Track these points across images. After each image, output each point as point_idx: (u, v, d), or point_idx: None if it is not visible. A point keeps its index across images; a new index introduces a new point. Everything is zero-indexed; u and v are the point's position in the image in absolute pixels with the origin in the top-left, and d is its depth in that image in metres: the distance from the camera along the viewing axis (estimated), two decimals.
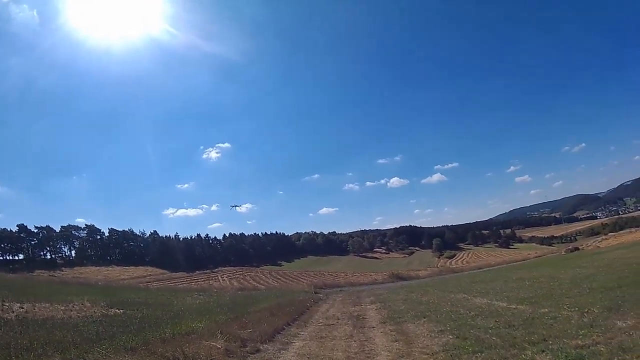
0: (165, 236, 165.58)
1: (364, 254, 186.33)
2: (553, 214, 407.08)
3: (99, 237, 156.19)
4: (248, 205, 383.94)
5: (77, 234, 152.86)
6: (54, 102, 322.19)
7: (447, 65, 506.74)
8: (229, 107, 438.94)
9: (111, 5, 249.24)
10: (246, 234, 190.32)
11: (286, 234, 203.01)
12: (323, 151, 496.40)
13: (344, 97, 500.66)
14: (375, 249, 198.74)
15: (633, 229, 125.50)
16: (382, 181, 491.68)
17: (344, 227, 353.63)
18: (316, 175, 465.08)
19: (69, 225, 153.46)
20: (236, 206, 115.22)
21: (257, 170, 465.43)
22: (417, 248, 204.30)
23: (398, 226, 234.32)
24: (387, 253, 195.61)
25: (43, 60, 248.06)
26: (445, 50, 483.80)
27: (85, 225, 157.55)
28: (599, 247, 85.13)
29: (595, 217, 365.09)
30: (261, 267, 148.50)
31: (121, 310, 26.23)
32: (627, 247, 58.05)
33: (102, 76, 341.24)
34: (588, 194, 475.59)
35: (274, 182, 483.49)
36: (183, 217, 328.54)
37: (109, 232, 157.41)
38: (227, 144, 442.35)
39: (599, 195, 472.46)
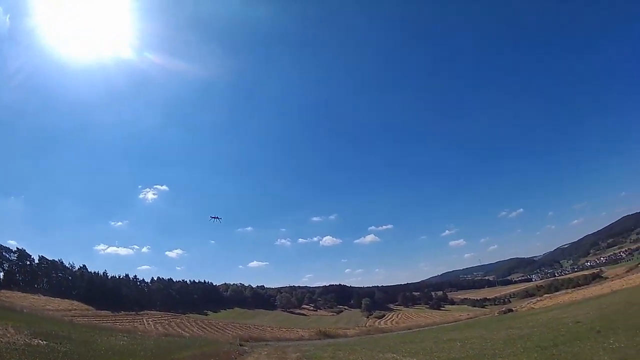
0: (94, 272, 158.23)
1: (291, 310, 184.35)
2: (487, 277, 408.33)
3: (28, 262, 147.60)
4: (179, 251, 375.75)
5: (7, 255, 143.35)
6: None
7: (388, 130, 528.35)
8: (172, 149, 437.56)
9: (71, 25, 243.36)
10: (174, 280, 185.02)
11: (214, 284, 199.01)
12: (259, 204, 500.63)
13: (284, 153, 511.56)
14: (303, 306, 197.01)
15: (569, 290, 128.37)
16: (315, 239, 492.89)
17: (273, 282, 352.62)
18: (249, 228, 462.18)
19: (0, 245, 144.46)
20: (217, 218, 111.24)
21: (192, 216, 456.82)
22: (346, 307, 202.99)
23: (327, 284, 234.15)
24: (315, 310, 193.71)
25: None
26: (387, 115, 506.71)
27: (17, 248, 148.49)
28: (533, 308, 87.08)
29: (530, 280, 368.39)
30: (187, 315, 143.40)
31: (44, 342, 25.93)
32: (563, 307, 59.79)
33: (55, 95, 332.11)
34: (523, 258, 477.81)
35: (207, 230, 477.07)
36: (113, 255, 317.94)
37: (39, 260, 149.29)
38: (165, 187, 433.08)
39: (534, 258, 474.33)
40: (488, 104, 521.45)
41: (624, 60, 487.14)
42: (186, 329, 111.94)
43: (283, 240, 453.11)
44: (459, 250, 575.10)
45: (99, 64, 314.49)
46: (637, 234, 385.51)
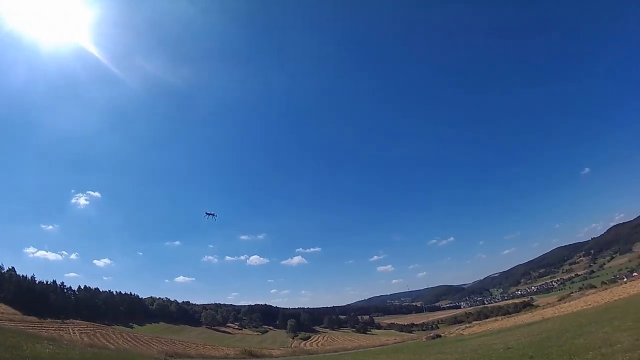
0: (23, 276, 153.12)
1: (216, 328, 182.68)
2: (414, 303, 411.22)
3: None
4: (107, 261, 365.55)
5: None
6: None
7: (319, 155, 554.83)
8: (108, 156, 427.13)
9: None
10: (101, 290, 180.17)
11: (140, 297, 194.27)
12: (188, 219, 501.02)
13: (217, 169, 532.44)
14: (228, 324, 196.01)
15: (499, 317, 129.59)
16: (242, 257, 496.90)
17: (198, 298, 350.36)
18: (177, 242, 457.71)
19: None
20: (212, 215, 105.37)
21: (122, 226, 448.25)
22: (271, 327, 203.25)
23: (253, 304, 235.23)
24: (240, 329, 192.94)
25: None
26: (318, 140, 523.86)
27: None
28: (462, 334, 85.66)
29: (458, 307, 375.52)
30: (113, 327, 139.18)
31: None
32: (493, 334, 60.18)
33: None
34: (452, 285, 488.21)
35: (136, 242, 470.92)
36: (42, 259, 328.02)
37: None
38: (97, 193, 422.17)
39: (463, 286, 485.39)
40: (421, 132, 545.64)
41: (557, 95, 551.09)
42: (112, 341, 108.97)
43: (210, 257, 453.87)
44: (387, 276, 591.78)
45: (42, 62, 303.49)
46: (570, 264, 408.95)
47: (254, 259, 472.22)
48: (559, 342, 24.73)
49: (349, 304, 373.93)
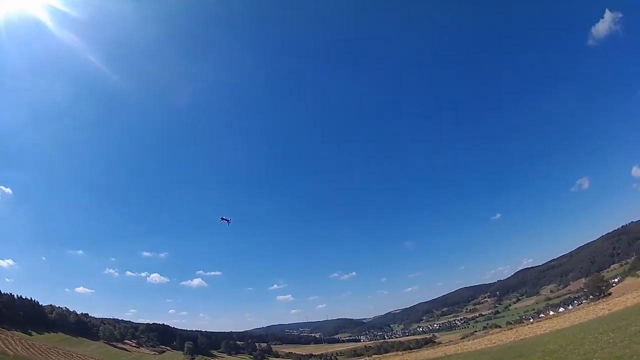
0: None
1: (114, 344, 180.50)
2: (313, 334, 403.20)
3: None
4: (10, 262, 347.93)
5: None
6: None
7: (223, 179, 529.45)
8: (27, 151, 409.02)
9: None
10: (2, 292, 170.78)
11: (40, 304, 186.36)
12: (92, 228, 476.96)
13: (125, 179, 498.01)
14: (125, 341, 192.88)
15: (400, 352, 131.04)
16: (143, 274, 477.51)
17: (98, 311, 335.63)
18: (80, 251, 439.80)
19: None
20: (227, 220, 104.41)
21: (29, 227, 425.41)
22: (168, 348, 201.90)
23: (151, 322, 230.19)
24: (137, 347, 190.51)
25: None
26: (224, 163, 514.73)
27: None
28: None
29: (358, 340, 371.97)
30: (12, 332, 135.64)
31: None
32: None
33: None
34: (352, 319, 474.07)
35: (41, 245, 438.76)
36: None
37: None
38: (9, 189, 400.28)
39: (363, 320, 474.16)
40: (332, 166, 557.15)
41: (472, 142, 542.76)
42: (10, 347, 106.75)
43: (111, 270, 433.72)
44: (286, 305, 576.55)
45: None
46: (474, 304, 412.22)
47: (155, 277, 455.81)
48: None
49: (247, 330, 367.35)
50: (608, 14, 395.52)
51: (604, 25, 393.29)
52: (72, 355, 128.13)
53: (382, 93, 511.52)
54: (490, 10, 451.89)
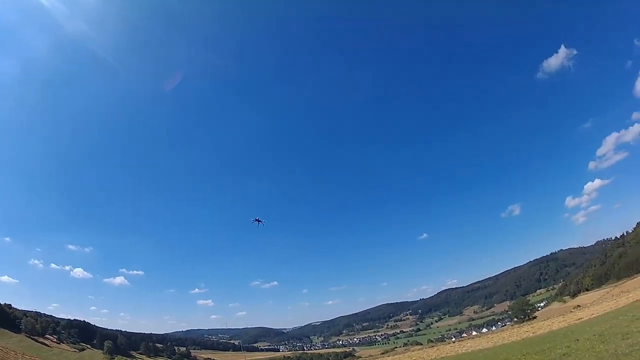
0: None
1: (35, 337, 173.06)
2: (232, 341, 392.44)
3: None
4: None
5: None
6: None
7: (144, 181, 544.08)
8: None
9: None
10: None
11: None
12: (21, 214, 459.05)
13: (62, 168, 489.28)
14: (47, 335, 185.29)
15: None
16: (67, 267, 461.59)
17: (21, 303, 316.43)
18: (8, 239, 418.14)
19: None
20: (259, 221, 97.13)
21: None
22: (88, 346, 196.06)
23: (72, 318, 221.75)
24: (58, 343, 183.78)
25: None
26: (148, 168, 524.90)
27: None
28: None
29: (277, 350, 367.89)
30: None
31: None
32: None
33: None
34: (272, 328, 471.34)
35: None
36: None
37: None
38: None
39: (283, 330, 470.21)
40: (257, 171, 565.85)
41: (402, 162, 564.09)
42: None
43: (36, 261, 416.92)
44: (206, 310, 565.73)
45: None
46: (395, 321, 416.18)
47: (78, 272, 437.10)
48: None
49: (167, 333, 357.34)
50: (563, 50, 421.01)
51: (557, 60, 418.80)
52: None
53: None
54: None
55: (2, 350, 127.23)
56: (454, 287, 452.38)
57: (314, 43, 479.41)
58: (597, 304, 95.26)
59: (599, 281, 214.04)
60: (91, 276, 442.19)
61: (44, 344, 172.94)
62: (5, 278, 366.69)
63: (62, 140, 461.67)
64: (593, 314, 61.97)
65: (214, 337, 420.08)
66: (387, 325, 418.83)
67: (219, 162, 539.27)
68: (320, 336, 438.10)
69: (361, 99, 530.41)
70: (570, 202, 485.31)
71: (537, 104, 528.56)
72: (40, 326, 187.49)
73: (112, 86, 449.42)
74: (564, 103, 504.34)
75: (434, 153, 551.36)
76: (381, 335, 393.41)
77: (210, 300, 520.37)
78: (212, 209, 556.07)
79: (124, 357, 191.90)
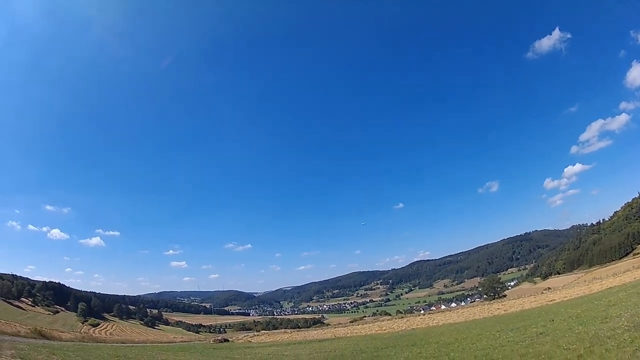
0: None
1: (10, 301, 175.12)
2: (204, 304, 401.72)
3: None
4: None
5: None
6: None
7: (128, 140, 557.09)
8: None
9: None
10: None
11: None
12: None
13: (39, 122, 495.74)
14: (22, 299, 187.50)
15: (289, 330, 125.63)
16: (45, 229, 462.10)
17: None
18: None
19: None
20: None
21: None
22: (62, 308, 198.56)
23: (48, 280, 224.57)
24: (33, 306, 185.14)
25: None
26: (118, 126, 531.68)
27: None
28: (250, 342, 79.97)
29: (247, 314, 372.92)
30: None
31: None
32: (283, 345, 57.56)
33: None
34: (243, 292, 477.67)
35: None
36: None
37: None
38: None
39: (254, 294, 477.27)
40: (237, 132, 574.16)
41: (384, 135, 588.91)
42: None
43: (14, 223, 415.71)
44: (179, 272, 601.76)
45: None
46: (365, 290, 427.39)
47: (55, 233, 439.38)
48: None
49: (139, 295, 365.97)
50: (557, 32, 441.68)
51: (549, 41, 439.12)
52: None
53: None
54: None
55: None
56: (426, 259, 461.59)
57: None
58: (568, 287, 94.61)
59: (571, 266, 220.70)
60: (68, 237, 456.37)
61: (19, 307, 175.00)
62: None
63: (37, 101, 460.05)
64: (565, 297, 61.18)
65: (186, 300, 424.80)
66: (357, 293, 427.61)
67: (195, 123, 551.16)
68: (291, 301, 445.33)
69: (339, 68, 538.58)
70: (549, 183, 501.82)
71: (524, 83, 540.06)
72: (16, 289, 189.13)
73: (91, 47, 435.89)
74: (552, 85, 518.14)
75: (417, 123, 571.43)
76: (351, 303, 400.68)
77: (184, 262, 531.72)
78: (187, 170, 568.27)
79: (97, 320, 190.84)
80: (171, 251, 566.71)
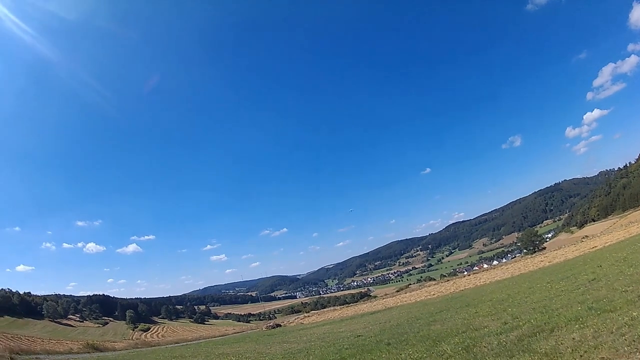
0: None
1: (59, 320, 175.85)
2: (249, 293, 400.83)
3: None
4: None
5: None
6: None
7: (151, 141, 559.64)
8: None
9: None
10: None
11: None
12: (25, 200, 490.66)
13: (60, 150, 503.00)
14: (69, 316, 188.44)
15: (337, 307, 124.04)
16: (79, 244, 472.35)
17: (39, 289, 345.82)
18: (17, 228, 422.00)
19: None
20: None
21: None
22: (111, 318, 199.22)
23: (92, 294, 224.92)
24: (81, 321, 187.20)
25: None
26: (151, 125, 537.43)
27: None
28: (302, 323, 79.27)
29: (294, 297, 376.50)
30: None
31: None
32: (336, 322, 56.35)
33: None
34: (286, 275, 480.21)
35: None
36: None
37: None
38: None
39: (298, 277, 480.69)
40: (258, 122, 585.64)
41: (403, 103, 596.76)
42: None
43: (48, 244, 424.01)
44: (220, 265, 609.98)
45: None
46: (406, 258, 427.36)
47: (91, 246, 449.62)
48: (413, 328, 23.47)
49: (184, 294, 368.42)
50: None
51: None
52: (20, 339, 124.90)
53: None
54: None
55: (28, 339, 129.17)
56: (461, 220, 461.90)
57: None
58: (607, 233, 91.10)
59: (605, 212, 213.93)
60: (104, 249, 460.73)
61: (68, 325, 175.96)
62: (21, 267, 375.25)
63: (49, 118, 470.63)
64: (607, 243, 59.35)
65: (231, 292, 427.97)
66: (399, 262, 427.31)
67: (217, 116, 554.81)
68: (335, 279, 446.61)
69: (356, 33, 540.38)
70: (570, 132, 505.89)
71: (529, 36, 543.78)
72: (61, 308, 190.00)
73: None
74: (556, 34, 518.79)
75: (433, 87, 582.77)
76: (394, 272, 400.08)
77: (224, 255, 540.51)
78: (214, 164, 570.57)
79: (147, 324, 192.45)
80: (209, 246, 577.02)
